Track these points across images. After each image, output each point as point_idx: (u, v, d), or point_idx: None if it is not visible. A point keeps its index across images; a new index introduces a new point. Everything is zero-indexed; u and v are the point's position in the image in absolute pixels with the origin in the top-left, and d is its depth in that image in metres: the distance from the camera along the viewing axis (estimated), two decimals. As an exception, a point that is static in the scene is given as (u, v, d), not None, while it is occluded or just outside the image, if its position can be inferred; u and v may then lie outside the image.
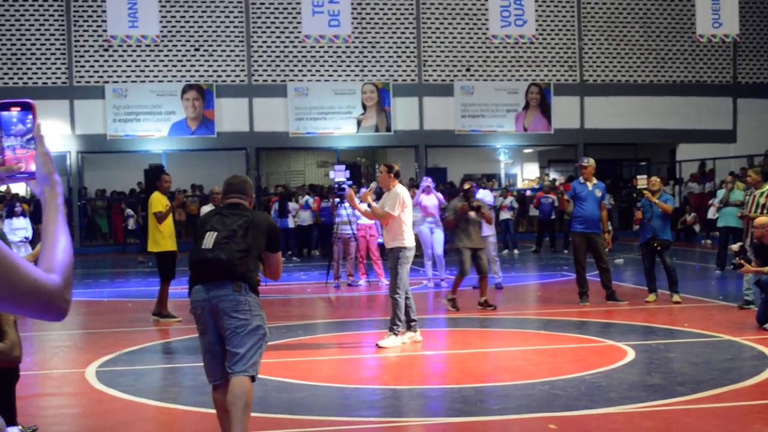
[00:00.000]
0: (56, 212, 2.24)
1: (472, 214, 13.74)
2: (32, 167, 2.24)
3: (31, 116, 2.25)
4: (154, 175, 14.01)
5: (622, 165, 36.20)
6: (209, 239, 5.96)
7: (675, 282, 13.93)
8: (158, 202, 13.19)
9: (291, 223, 25.88)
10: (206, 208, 14.59)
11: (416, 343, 10.73)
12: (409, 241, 10.60)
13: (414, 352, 10.47)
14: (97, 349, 10.93)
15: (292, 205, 26.29)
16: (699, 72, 33.09)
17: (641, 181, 14.47)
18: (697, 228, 28.36)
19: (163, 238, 13.19)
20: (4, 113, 2.24)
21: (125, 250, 29.56)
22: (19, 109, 2.24)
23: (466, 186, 14.11)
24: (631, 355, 9.73)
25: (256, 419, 6.93)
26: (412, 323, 10.73)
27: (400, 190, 10.70)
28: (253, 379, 5.92)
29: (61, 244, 2.21)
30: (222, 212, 6.17)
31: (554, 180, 30.47)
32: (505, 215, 25.61)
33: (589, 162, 14.29)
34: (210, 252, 5.90)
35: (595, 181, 14.17)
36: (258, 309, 6.01)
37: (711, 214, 26.66)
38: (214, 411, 6.42)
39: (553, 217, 26.66)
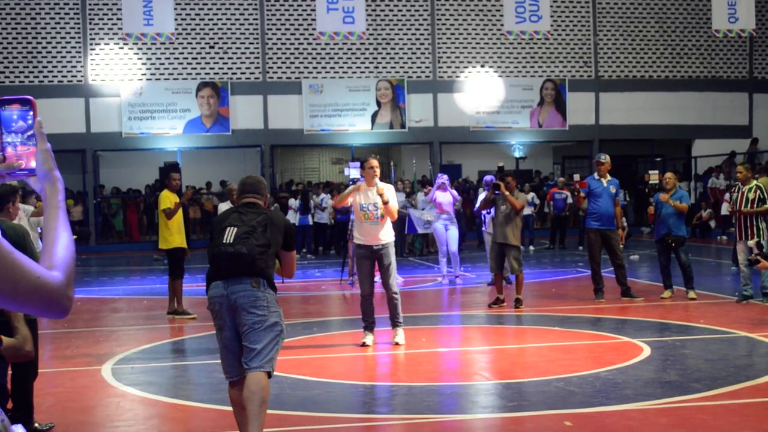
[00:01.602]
0: (57, 209, 2.23)
1: (489, 194, 13.65)
2: (33, 164, 2.23)
3: (31, 113, 2.23)
4: (166, 173, 14.07)
5: (638, 161, 36.08)
6: (230, 234, 6.02)
7: (690, 278, 13.90)
8: (166, 199, 13.26)
9: (310, 220, 25.94)
10: (223, 206, 14.62)
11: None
12: None
13: (428, 349, 10.47)
14: (112, 347, 10.98)
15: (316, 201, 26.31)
16: (715, 67, 32.95)
17: (653, 176, 14.43)
18: (712, 224, 28.24)
19: (171, 234, 13.24)
20: (5, 110, 2.23)
21: None
22: (19, 105, 2.23)
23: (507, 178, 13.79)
24: (646, 351, 9.71)
25: (271, 416, 6.94)
26: (370, 323, 10.67)
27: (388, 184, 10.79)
28: (269, 375, 5.93)
29: (62, 241, 2.20)
30: (240, 210, 6.23)
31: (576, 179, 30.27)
32: (526, 211, 25.50)
33: (606, 159, 14.27)
34: (231, 246, 5.95)
35: (609, 177, 14.15)
36: (275, 305, 6.04)
37: (724, 209, 26.54)
38: (230, 408, 6.44)
39: (567, 213, 26.61)
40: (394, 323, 10.64)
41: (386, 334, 10.93)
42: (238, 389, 6.05)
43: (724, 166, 29.42)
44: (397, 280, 11.21)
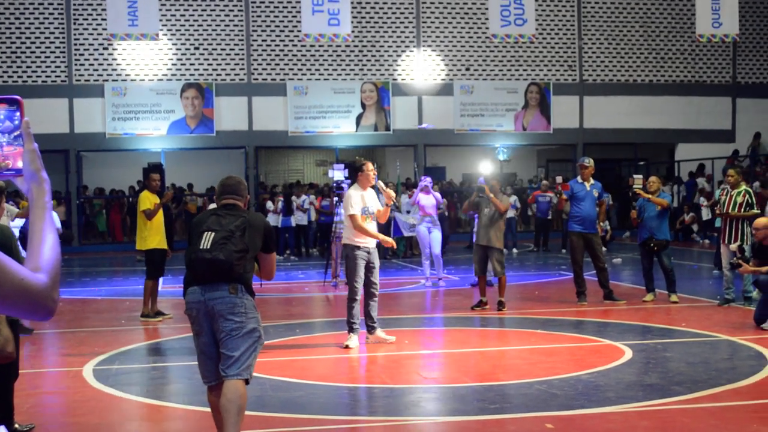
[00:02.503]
0: (43, 210, 2.21)
1: (474, 197, 13.70)
2: (19, 164, 2.22)
3: (18, 113, 2.22)
4: (147, 174, 14.01)
5: (621, 165, 36.21)
6: (207, 239, 5.90)
7: (673, 282, 13.96)
8: (146, 199, 13.17)
9: (293, 221, 25.90)
10: (213, 206, 14.58)
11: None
12: None
13: (411, 351, 10.47)
14: (94, 348, 10.93)
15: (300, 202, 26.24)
16: (698, 72, 33.08)
17: (637, 180, 14.51)
18: (695, 228, 28.35)
19: (151, 235, 13.15)
20: None
21: None
22: (6, 105, 2.22)
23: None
24: (628, 354, 9.74)
25: (253, 418, 6.94)
26: (356, 326, 10.69)
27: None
28: (247, 382, 5.89)
29: (48, 243, 2.18)
30: (218, 213, 6.12)
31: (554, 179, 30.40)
32: (509, 214, 25.49)
33: (590, 162, 14.32)
34: (208, 252, 5.84)
35: (592, 181, 14.20)
36: (253, 311, 5.96)
37: (705, 214, 26.64)
38: (209, 410, 6.41)
39: (550, 216, 26.66)
40: (375, 325, 10.68)
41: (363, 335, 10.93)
42: (216, 394, 6.01)
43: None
44: None
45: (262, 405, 7.61)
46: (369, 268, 10.57)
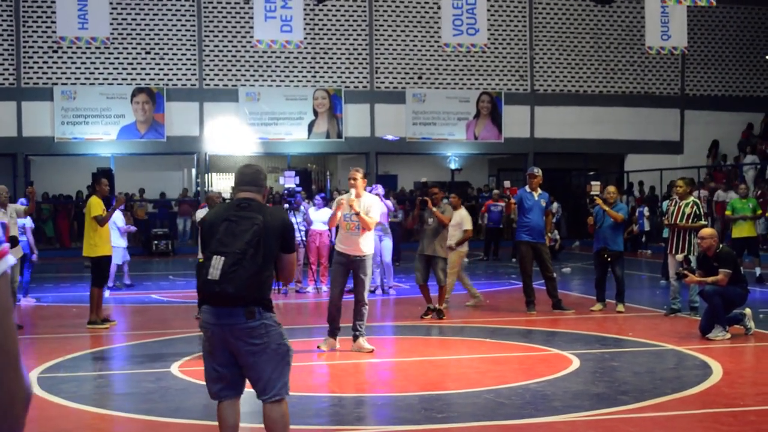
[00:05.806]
0: None
1: (416, 210, 13.84)
2: None
3: None
4: (98, 179, 13.85)
5: (572, 174, 36.51)
6: (216, 267, 5.36)
7: (621, 292, 14.09)
8: (98, 205, 12.98)
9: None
10: (201, 213, 14.53)
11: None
12: None
13: (360, 359, 10.45)
14: (39, 355, 10.77)
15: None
16: (648, 83, 33.49)
17: (594, 187, 14.59)
18: (643, 239, 28.65)
19: (102, 242, 12.98)
20: None
21: None
22: None
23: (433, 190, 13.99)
24: (576, 363, 9.80)
25: (199, 427, 6.87)
26: (336, 331, 10.86)
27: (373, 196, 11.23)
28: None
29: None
30: (231, 218, 5.50)
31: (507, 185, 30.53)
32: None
33: (539, 172, 14.40)
34: (217, 285, 5.34)
35: (540, 191, 14.27)
36: (275, 326, 5.57)
37: (647, 226, 27.06)
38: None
39: (501, 226, 26.80)
40: (358, 333, 10.74)
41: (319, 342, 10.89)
42: (223, 408, 5.70)
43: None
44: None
45: (209, 414, 7.49)
46: (357, 278, 10.75)
